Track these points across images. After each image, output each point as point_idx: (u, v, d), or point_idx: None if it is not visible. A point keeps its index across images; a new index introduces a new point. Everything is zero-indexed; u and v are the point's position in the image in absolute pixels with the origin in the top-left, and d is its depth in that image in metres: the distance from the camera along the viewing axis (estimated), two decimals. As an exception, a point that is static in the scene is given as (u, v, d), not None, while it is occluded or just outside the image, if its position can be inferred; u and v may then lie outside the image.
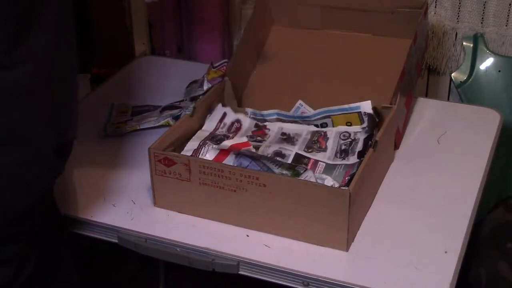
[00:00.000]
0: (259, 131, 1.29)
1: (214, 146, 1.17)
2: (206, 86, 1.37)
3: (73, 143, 1.02)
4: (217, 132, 1.26)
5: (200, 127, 1.26)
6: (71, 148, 1.02)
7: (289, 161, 1.18)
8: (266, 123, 1.31)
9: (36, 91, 0.92)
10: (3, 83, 0.88)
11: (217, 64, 1.42)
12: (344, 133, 1.23)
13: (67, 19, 0.96)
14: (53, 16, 0.92)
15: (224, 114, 1.29)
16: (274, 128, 1.29)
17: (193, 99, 1.38)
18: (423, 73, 1.74)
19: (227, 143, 1.15)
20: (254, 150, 1.18)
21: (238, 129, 1.28)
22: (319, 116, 1.27)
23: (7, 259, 0.98)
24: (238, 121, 1.30)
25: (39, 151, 0.95)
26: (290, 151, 1.20)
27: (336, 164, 1.17)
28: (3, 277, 0.98)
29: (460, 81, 1.69)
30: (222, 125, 1.28)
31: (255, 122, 1.31)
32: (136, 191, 1.21)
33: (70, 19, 0.97)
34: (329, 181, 1.11)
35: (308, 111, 1.32)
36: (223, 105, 1.30)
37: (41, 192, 1.00)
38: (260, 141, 1.25)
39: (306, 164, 1.17)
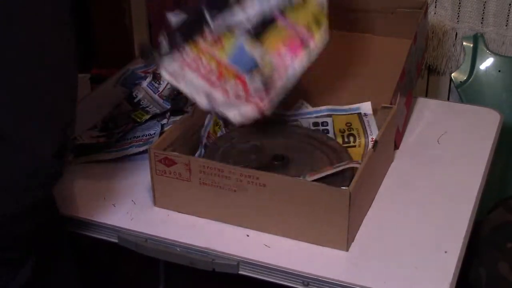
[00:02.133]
0: None
1: None
2: None
3: (69, 144, 1.02)
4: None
5: (200, 127, 1.26)
6: (68, 148, 1.01)
7: None
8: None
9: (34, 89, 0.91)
10: None
11: None
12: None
13: (61, 14, 0.95)
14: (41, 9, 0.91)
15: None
16: None
17: (178, 112, 1.35)
18: (423, 73, 1.74)
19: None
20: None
21: None
22: (319, 114, 1.27)
23: (3, 262, 0.98)
24: None
25: (36, 151, 0.94)
26: None
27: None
28: (6, 279, 0.98)
29: (460, 81, 1.69)
30: None
31: None
32: (136, 191, 1.21)
33: (65, 14, 0.96)
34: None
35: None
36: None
37: (40, 194, 0.99)
38: None
39: None
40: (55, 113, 0.96)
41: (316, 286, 1.02)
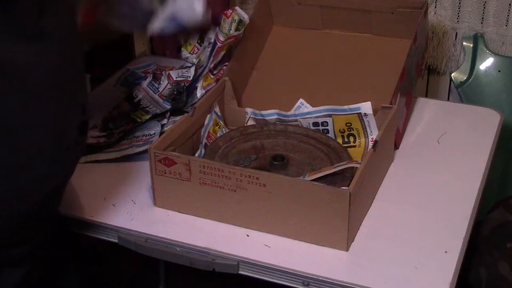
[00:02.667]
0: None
1: None
2: (199, 93, 1.37)
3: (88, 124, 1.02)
4: None
5: (200, 127, 1.26)
6: (88, 127, 1.02)
7: None
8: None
9: (62, 67, 0.91)
10: (31, 57, 0.87)
11: (216, 72, 1.41)
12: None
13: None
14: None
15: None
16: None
17: (178, 112, 1.36)
18: (423, 73, 1.74)
19: None
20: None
21: None
22: (319, 114, 1.27)
23: (19, 259, 0.98)
24: None
25: (65, 126, 0.94)
26: None
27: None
28: (14, 279, 0.98)
29: (460, 81, 1.69)
30: None
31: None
32: (136, 191, 1.21)
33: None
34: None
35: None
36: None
37: (64, 172, 0.99)
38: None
39: None
40: (79, 89, 0.98)
41: (316, 286, 1.02)
